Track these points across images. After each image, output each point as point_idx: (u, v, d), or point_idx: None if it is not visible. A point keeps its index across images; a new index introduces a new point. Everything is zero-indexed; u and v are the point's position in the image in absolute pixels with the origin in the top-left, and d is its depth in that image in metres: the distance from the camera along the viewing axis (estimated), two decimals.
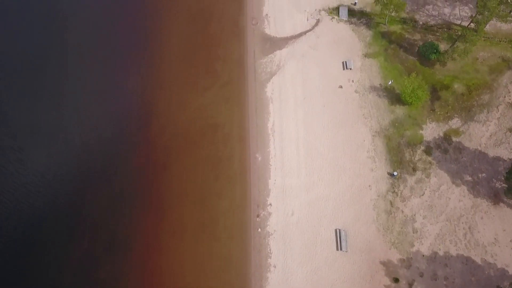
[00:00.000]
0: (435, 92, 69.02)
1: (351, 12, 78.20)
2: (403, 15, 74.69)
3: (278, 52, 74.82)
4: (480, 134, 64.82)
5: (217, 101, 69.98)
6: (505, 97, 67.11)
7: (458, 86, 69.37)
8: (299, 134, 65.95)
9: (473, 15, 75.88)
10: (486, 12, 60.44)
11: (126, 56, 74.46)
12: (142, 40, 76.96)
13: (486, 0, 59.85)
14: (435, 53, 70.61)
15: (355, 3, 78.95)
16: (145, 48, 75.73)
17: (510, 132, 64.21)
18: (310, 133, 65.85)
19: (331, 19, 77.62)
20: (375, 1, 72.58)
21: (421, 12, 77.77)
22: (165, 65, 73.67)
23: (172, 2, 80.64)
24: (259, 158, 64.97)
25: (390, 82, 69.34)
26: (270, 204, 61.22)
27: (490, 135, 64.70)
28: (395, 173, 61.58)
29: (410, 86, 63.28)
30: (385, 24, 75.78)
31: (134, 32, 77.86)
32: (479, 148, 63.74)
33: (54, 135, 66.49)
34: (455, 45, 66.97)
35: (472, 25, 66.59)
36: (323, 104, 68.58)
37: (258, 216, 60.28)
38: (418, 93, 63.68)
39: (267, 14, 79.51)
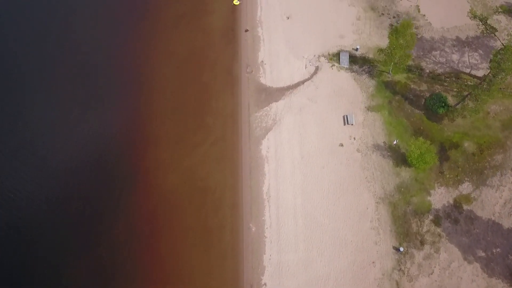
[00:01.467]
0: (444, 151, 63.84)
1: (353, 59, 73.16)
2: (409, 62, 69.55)
3: (274, 105, 69.74)
4: (494, 201, 59.57)
5: (208, 161, 64.87)
6: None
7: (468, 145, 64.18)
8: (297, 201, 60.75)
9: (483, 63, 71.34)
10: (502, 73, 55.26)
11: (109, 107, 69.36)
12: (127, 87, 72.03)
13: (500, 60, 54.74)
14: (443, 106, 65.54)
15: (357, 48, 73.91)
16: (129, 97, 70.79)
17: None
18: (308, 200, 60.62)
19: (331, 66, 72.56)
20: (378, 51, 67.64)
21: (427, 59, 72.71)
22: (153, 118, 68.72)
23: (161, 46, 75.78)
24: (253, 229, 59.74)
25: (395, 142, 64.20)
26: (265, 284, 55.93)
27: (505, 203, 59.47)
28: (401, 249, 56.29)
29: (417, 151, 58.06)
30: (389, 73, 70.71)
31: (119, 79, 72.89)
32: (493, 218, 58.50)
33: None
34: (465, 102, 61.83)
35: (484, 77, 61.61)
36: (322, 165, 63.40)
37: None
38: (426, 158, 58.49)
39: (262, 61, 74.48)
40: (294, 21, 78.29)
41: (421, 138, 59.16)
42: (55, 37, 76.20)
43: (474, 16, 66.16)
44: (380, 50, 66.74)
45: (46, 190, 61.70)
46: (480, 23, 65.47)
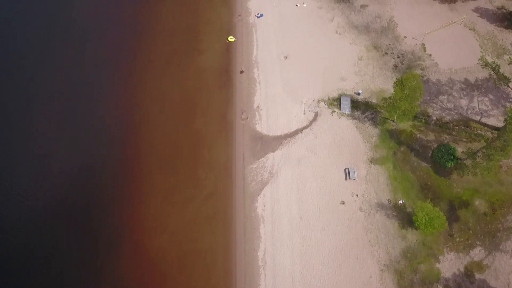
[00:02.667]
0: (453, 210, 59.19)
1: (354, 104, 68.61)
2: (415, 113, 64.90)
3: (270, 156, 65.10)
4: (508, 269, 54.87)
5: (199, 220, 60.16)
6: None
7: (479, 203, 59.53)
8: (295, 269, 55.99)
9: (494, 109, 66.89)
10: None
11: (95, 160, 64.66)
12: (111, 135, 67.26)
13: None
14: (451, 160, 61.03)
15: (359, 93, 69.36)
16: (113, 145, 65.97)
17: None
18: (307, 267, 55.87)
19: (332, 112, 68.00)
20: (382, 100, 63.11)
21: (434, 105, 68.16)
22: (139, 171, 64.01)
23: (149, 89, 71.31)
24: None
25: (400, 202, 59.51)
26: None
27: None
28: None
29: (425, 216, 53.38)
30: (393, 121, 66.11)
31: (100, 125, 68.17)
32: None
33: None
34: (476, 159, 57.18)
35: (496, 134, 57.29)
36: (322, 226, 58.70)
37: None
38: (435, 224, 53.79)
39: (258, 106, 69.91)
40: (292, 61, 73.83)
41: (429, 204, 54.44)
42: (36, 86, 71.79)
43: (485, 64, 61.83)
44: (384, 99, 62.17)
45: None
46: (492, 72, 60.99)
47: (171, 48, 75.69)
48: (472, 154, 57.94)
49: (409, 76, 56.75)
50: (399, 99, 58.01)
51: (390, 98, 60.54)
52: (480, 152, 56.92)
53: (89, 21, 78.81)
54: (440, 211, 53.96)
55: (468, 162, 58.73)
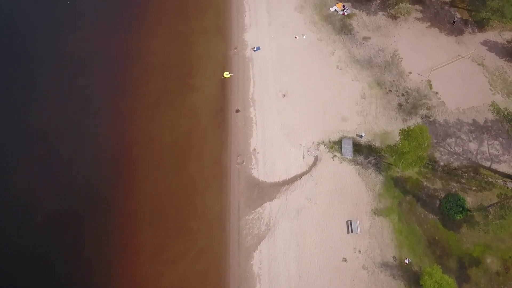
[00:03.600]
0: (463, 269, 55.14)
1: (357, 147, 64.63)
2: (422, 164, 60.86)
3: (267, 205, 61.09)
4: None
5: (190, 279, 56.17)
6: None
7: (491, 261, 55.48)
8: None
9: (505, 154, 62.94)
10: None
11: (76, 214, 60.65)
12: (95, 183, 63.22)
13: None
14: (461, 212, 57.07)
15: (362, 135, 65.38)
16: (99, 198, 61.85)
17: None
18: None
19: (333, 157, 64.00)
20: (387, 147, 59.23)
21: (441, 149, 64.15)
22: (126, 223, 59.93)
23: (139, 130, 67.49)
24: None
25: (407, 261, 55.44)
26: None
27: None
28: None
29: (433, 283, 49.29)
30: (398, 167, 62.03)
31: (88, 175, 64.29)
32: None
33: None
34: (488, 216, 53.19)
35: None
36: (323, 287, 54.59)
37: None
38: None
39: (255, 149, 65.95)
40: (291, 99, 69.90)
41: (438, 269, 50.30)
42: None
43: (496, 112, 57.89)
44: (390, 148, 58.26)
45: None
46: (505, 120, 57.08)
47: (163, 85, 71.78)
48: (483, 210, 53.97)
49: (417, 129, 52.84)
50: (406, 152, 54.07)
51: (395, 146, 56.72)
52: (492, 210, 52.97)
53: (77, 56, 74.86)
54: (450, 278, 49.85)
55: (479, 217, 54.80)
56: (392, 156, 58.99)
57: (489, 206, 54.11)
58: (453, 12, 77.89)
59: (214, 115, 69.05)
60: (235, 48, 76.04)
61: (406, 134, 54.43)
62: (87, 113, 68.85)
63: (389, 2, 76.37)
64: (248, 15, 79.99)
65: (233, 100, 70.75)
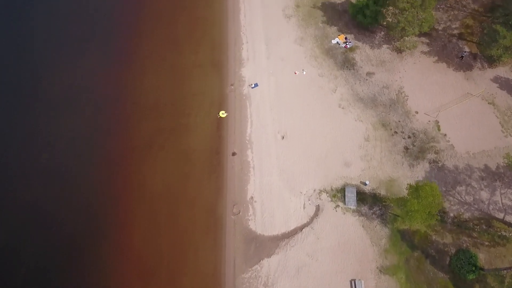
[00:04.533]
0: None
1: (361, 196, 60.62)
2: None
3: (265, 262, 57.01)
4: None
5: None
6: None
7: None
8: None
9: None
10: None
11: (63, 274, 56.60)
12: (84, 241, 59.28)
13: None
14: (473, 271, 53.00)
15: (366, 183, 61.38)
16: (86, 253, 57.92)
17: None
18: None
19: (335, 207, 59.99)
20: (394, 202, 55.25)
21: (451, 197, 60.14)
22: (117, 282, 55.76)
23: (128, 176, 63.43)
24: None
25: None
26: None
27: None
28: None
29: None
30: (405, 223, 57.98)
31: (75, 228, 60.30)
32: None
33: None
34: (505, 283, 49.19)
35: None
36: None
37: None
38: None
39: (252, 197, 61.93)
40: (290, 142, 65.95)
41: None
42: None
43: (510, 165, 53.87)
44: (396, 201, 54.33)
45: None
46: None
47: (155, 125, 67.87)
48: (499, 275, 49.95)
49: (427, 188, 48.89)
50: (415, 211, 50.10)
51: (402, 201, 52.84)
52: (509, 274, 48.93)
53: (63, 93, 71.05)
54: None
55: (495, 281, 50.78)
56: (399, 207, 55.11)
57: (505, 269, 50.08)
58: (461, 46, 73.99)
59: (209, 159, 65.07)
60: (232, 85, 72.15)
61: (414, 191, 50.50)
62: (70, 156, 64.87)
63: (394, 37, 72.28)
64: (246, 48, 76.14)
65: (229, 142, 66.80)
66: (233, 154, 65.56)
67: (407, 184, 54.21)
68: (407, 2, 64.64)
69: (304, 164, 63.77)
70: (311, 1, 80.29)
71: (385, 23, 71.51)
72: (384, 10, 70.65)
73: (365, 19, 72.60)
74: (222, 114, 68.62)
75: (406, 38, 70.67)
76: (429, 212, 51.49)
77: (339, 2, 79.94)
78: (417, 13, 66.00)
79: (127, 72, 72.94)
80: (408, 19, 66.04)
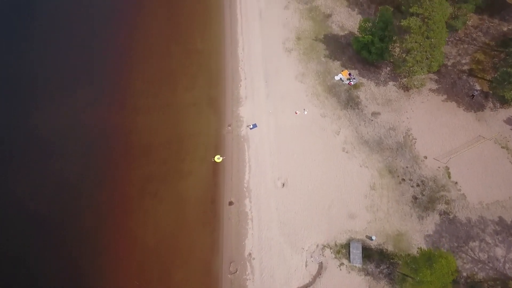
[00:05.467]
0: None
1: (367, 253, 56.53)
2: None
3: None
4: None
5: None
6: None
7: None
8: None
9: None
10: None
11: None
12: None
13: None
14: None
15: (372, 238, 57.25)
16: None
17: None
18: None
19: (339, 265, 55.89)
20: (403, 264, 51.06)
21: (463, 254, 56.02)
22: None
23: (119, 231, 59.25)
24: None
25: None
26: None
27: None
28: None
29: None
30: (415, 279, 53.77)
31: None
32: None
33: None
34: None
35: None
36: None
37: None
38: None
39: (250, 254, 57.82)
40: (291, 190, 61.87)
41: None
42: None
43: None
44: (405, 264, 50.18)
45: None
46: None
47: (146, 171, 63.77)
48: None
49: (442, 262, 44.74)
50: (427, 282, 45.95)
51: (412, 259, 48.79)
52: None
53: (47, 134, 67.02)
54: None
55: None
56: (408, 266, 50.91)
57: None
58: (471, 83, 69.92)
59: (204, 209, 61.01)
60: (229, 125, 68.07)
61: (427, 260, 46.32)
62: (56, 205, 60.76)
63: (401, 74, 68.27)
64: (244, 85, 72.07)
65: (225, 190, 62.72)
66: (230, 203, 61.47)
67: (418, 248, 50.14)
68: (415, 42, 60.56)
69: (306, 216, 59.69)
70: (313, 33, 76.20)
71: (391, 60, 67.52)
72: (391, 47, 66.67)
73: (370, 56, 68.59)
74: (218, 158, 64.54)
75: (414, 76, 66.55)
76: (442, 284, 47.28)
77: (342, 34, 75.85)
78: (426, 52, 61.92)
79: (118, 112, 68.88)
80: (416, 59, 61.97)
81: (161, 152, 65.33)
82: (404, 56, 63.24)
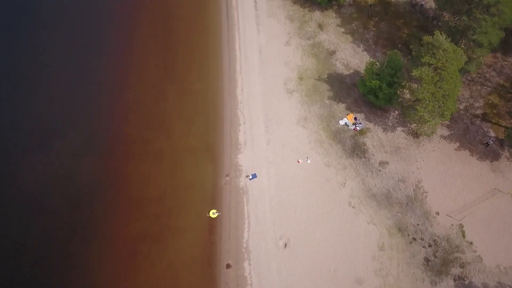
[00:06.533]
0: None
1: None
2: None
3: None
4: None
5: None
6: None
7: None
8: None
9: None
10: None
11: None
12: None
13: None
14: None
15: None
16: None
17: None
18: None
19: None
20: None
21: None
22: None
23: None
24: None
25: None
26: None
27: None
28: None
29: None
30: None
31: None
32: None
33: None
34: None
35: None
36: None
37: None
38: None
39: None
40: (293, 251, 57.56)
41: None
42: None
43: None
44: None
45: None
46: None
47: (138, 228, 59.40)
48: None
49: None
50: None
51: None
52: None
53: (29, 187, 62.66)
54: None
55: None
56: None
57: None
58: (485, 129, 65.67)
59: (199, 273, 56.71)
60: (227, 175, 63.73)
61: None
62: (40, 267, 56.39)
63: (410, 121, 63.86)
64: (243, 130, 67.72)
65: (223, 250, 58.33)
66: (228, 266, 57.09)
67: None
68: (427, 92, 56.13)
69: (310, 281, 55.29)
70: (316, 72, 71.93)
71: (400, 107, 63.30)
72: (400, 93, 62.41)
73: (378, 101, 64.33)
74: (213, 214, 60.19)
75: (427, 124, 62.06)
76: None
77: (347, 73, 71.60)
78: (438, 101, 57.57)
79: (107, 160, 64.44)
80: (427, 109, 57.62)
81: (154, 206, 60.97)
82: (414, 105, 58.86)
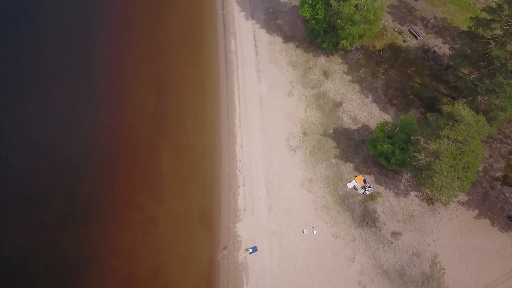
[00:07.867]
0: None
1: None
2: None
3: None
4: None
5: None
6: None
7: None
8: None
9: None
10: None
11: None
12: None
13: None
14: None
15: None
16: None
17: None
18: None
19: None
20: None
21: None
22: None
23: None
24: None
25: None
26: None
27: None
28: None
29: None
30: None
31: None
32: None
33: None
34: None
35: None
36: None
37: None
38: None
39: None
40: None
41: None
42: None
43: None
44: None
45: None
46: None
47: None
48: None
49: None
50: None
51: None
52: None
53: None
54: None
55: None
56: None
57: None
58: (507, 194, 60.23)
59: None
60: (225, 248, 58.30)
61: None
62: None
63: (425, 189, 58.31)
64: (242, 193, 62.28)
65: None
66: None
67: None
68: (446, 164, 50.49)
69: None
70: (321, 126, 66.47)
71: (415, 174, 57.82)
72: (414, 160, 56.81)
73: (389, 165, 58.87)
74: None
75: (445, 194, 56.44)
76: None
77: (355, 128, 66.15)
78: (457, 172, 52.04)
79: (93, 231, 58.99)
80: (446, 181, 52.10)
81: (144, 286, 55.40)
82: (431, 175, 53.27)
